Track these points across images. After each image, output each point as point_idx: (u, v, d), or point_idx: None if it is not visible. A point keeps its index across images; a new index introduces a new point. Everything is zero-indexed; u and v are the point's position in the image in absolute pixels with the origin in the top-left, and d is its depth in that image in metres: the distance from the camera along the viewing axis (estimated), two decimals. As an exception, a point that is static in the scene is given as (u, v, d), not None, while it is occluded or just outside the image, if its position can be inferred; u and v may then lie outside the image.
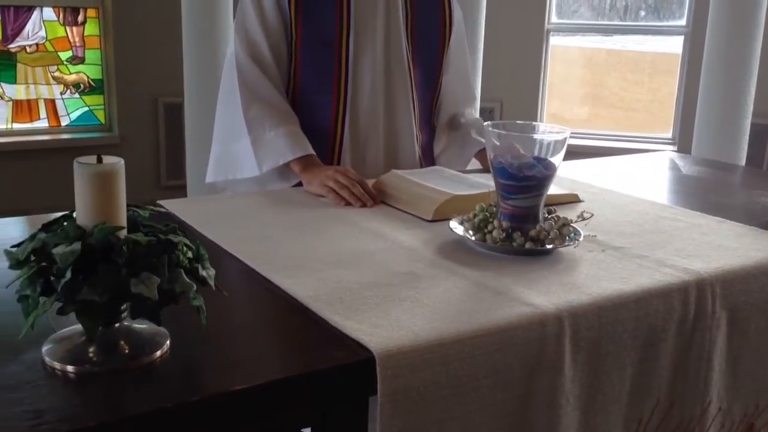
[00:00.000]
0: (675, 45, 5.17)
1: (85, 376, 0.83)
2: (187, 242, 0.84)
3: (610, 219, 1.47)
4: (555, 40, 5.34)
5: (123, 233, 0.83)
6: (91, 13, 4.85)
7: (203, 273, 0.85)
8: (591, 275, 1.16)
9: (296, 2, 1.70)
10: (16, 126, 4.74)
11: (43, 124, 4.83)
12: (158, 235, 0.84)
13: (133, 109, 4.93)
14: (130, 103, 4.92)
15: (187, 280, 0.83)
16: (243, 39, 1.71)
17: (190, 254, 0.86)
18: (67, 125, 4.91)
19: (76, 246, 0.78)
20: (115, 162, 0.84)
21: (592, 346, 1.06)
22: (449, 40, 1.88)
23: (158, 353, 0.87)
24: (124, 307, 0.85)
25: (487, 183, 1.52)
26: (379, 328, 0.94)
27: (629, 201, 1.62)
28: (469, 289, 1.09)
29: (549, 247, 1.23)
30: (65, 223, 0.83)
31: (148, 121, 4.97)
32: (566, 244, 1.25)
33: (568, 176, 1.79)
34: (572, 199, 1.60)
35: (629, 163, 2.15)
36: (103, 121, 5.02)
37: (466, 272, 1.16)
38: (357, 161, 1.75)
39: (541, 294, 1.07)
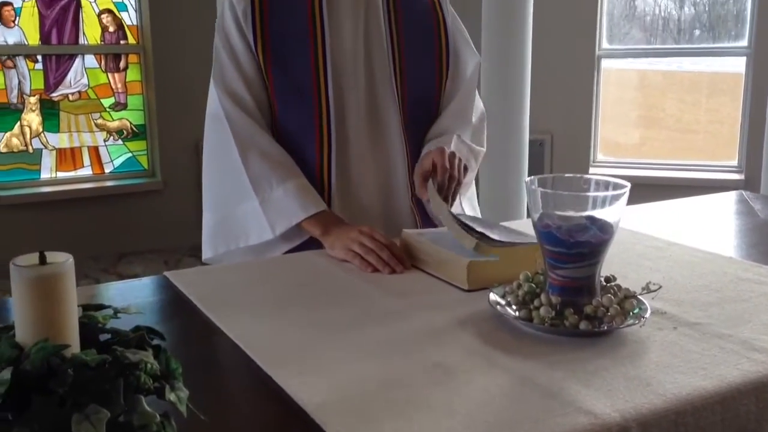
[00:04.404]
0: (734, 64, 4.89)
1: None
2: (152, 361, 0.68)
3: (681, 283, 1.26)
4: (607, 63, 5.12)
5: (71, 351, 0.67)
6: (132, 58, 4.85)
7: (171, 396, 0.68)
8: (663, 365, 0.95)
9: (263, 49, 1.55)
10: (60, 175, 4.74)
11: (87, 171, 4.83)
12: (115, 351, 0.67)
13: (175, 154, 4.89)
14: (172, 147, 4.88)
15: (149, 410, 0.66)
16: (224, 91, 1.56)
17: (157, 369, 0.70)
18: (110, 172, 4.90)
19: (6, 375, 0.62)
20: (61, 261, 0.68)
21: (668, 461, 0.85)
22: (447, 75, 1.68)
23: (122, 494, 0.70)
24: (78, 438, 0.69)
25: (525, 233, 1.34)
26: (398, 452, 0.76)
27: (701, 258, 1.40)
28: (513, 389, 0.90)
29: (609, 327, 1.03)
30: (2, 340, 0.67)
31: (191, 166, 4.92)
32: (630, 322, 1.04)
33: (625, 225, 1.58)
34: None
35: (695, 206, 1.92)
36: (146, 166, 4.99)
37: (509, 363, 0.96)
38: (350, 213, 1.57)
39: (601, 395, 0.87)
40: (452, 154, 1.52)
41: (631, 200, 1.11)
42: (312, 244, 1.54)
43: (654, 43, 5.23)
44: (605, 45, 5.07)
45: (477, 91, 1.77)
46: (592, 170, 5.06)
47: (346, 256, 1.39)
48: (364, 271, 1.35)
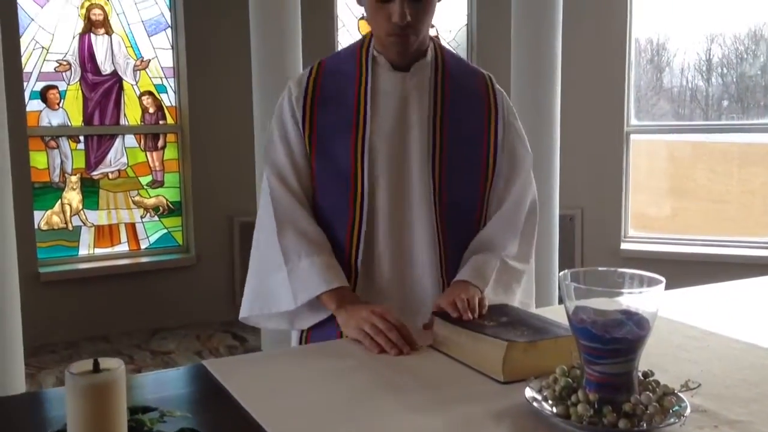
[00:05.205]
0: (765, 135, 4.90)
1: None
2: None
3: (720, 377, 1.24)
4: (636, 136, 5.15)
5: (120, 457, 0.69)
6: (170, 137, 5.01)
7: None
8: (704, 468, 0.94)
9: (310, 135, 1.64)
10: (98, 251, 4.84)
11: (123, 248, 4.92)
12: (162, 457, 0.69)
13: (209, 229, 4.97)
14: (206, 223, 4.98)
15: None
16: (273, 169, 1.66)
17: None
18: (146, 248, 4.99)
19: (58, 483, 0.64)
20: (114, 368, 0.71)
21: None
22: (493, 170, 1.67)
23: None
24: None
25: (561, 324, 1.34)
26: None
27: (740, 349, 1.38)
28: (552, 492, 0.89)
29: (648, 426, 1.02)
30: (54, 445, 0.70)
31: (224, 241, 5.00)
32: (670, 421, 1.03)
33: (660, 313, 1.56)
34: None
35: (730, 291, 1.90)
36: (180, 242, 5.08)
37: (547, 463, 0.96)
38: (372, 291, 1.62)
39: (642, 500, 0.86)
40: (466, 302, 1.44)
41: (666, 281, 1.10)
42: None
43: (682, 114, 5.27)
44: (634, 121, 5.12)
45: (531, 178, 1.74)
46: (623, 246, 5.03)
47: (357, 336, 1.44)
48: (372, 351, 1.40)
